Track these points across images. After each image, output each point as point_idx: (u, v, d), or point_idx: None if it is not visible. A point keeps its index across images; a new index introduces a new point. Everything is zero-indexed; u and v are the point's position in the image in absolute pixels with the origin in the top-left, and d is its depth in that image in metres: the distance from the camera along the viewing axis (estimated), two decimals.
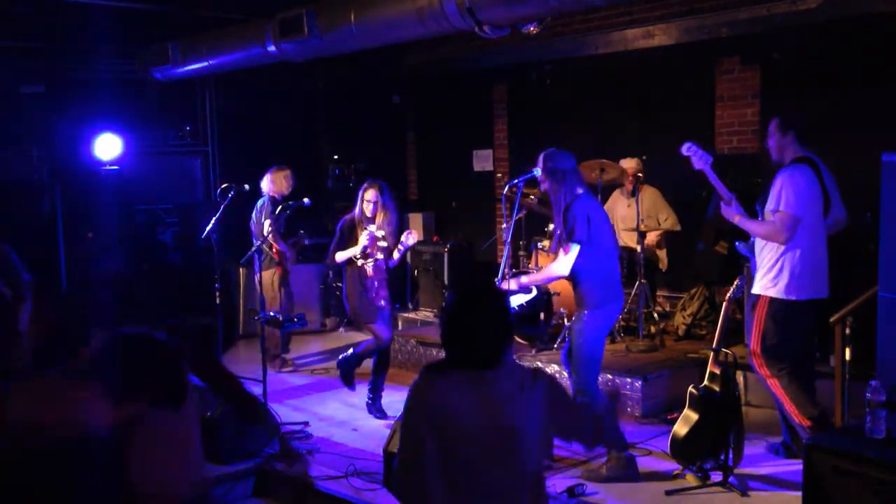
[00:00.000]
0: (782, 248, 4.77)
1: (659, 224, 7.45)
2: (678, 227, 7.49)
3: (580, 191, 4.85)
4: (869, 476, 3.43)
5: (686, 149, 4.90)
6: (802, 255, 4.78)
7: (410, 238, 6.02)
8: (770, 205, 4.79)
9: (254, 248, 6.06)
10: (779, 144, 4.94)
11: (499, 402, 2.54)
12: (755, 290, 4.92)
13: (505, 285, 5.16)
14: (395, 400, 6.60)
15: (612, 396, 4.44)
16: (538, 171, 5.26)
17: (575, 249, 4.74)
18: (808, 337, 5.07)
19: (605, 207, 7.53)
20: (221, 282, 6.85)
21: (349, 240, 6.03)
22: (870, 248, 4.68)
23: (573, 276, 4.85)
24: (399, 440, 2.57)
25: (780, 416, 5.03)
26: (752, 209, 5.08)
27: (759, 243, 4.97)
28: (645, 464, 5.12)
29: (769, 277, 4.82)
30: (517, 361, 2.71)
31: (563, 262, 4.79)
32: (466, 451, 2.49)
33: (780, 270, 4.78)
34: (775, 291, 4.80)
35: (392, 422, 5.52)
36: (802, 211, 4.74)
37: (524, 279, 5.37)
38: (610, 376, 6.16)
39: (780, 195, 4.74)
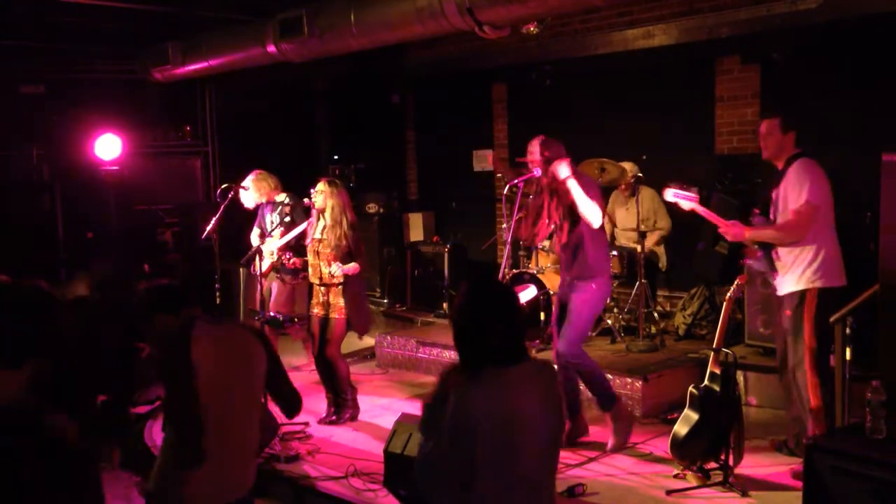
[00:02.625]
0: (816, 238, 4.72)
1: (654, 227, 7.45)
2: (669, 233, 7.50)
3: None
4: (869, 476, 3.43)
5: (672, 195, 5.02)
6: (833, 242, 4.78)
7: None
8: (793, 198, 4.71)
9: (254, 249, 6.06)
10: (779, 144, 4.90)
11: (544, 393, 2.63)
12: (797, 286, 4.78)
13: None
14: (396, 400, 6.61)
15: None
16: (537, 173, 5.31)
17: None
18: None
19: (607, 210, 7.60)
20: (221, 282, 6.85)
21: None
22: (870, 248, 4.68)
23: (581, 246, 5.22)
24: (447, 433, 2.55)
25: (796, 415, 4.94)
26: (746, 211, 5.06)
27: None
28: (645, 464, 5.12)
29: (812, 269, 4.72)
30: (532, 357, 2.72)
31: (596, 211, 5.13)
32: (510, 445, 2.54)
33: (822, 260, 4.72)
34: (823, 281, 4.72)
35: (392, 422, 5.51)
36: (822, 200, 4.72)
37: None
38: (610, 376, 6.16)
39: (803, 187, 4.68)
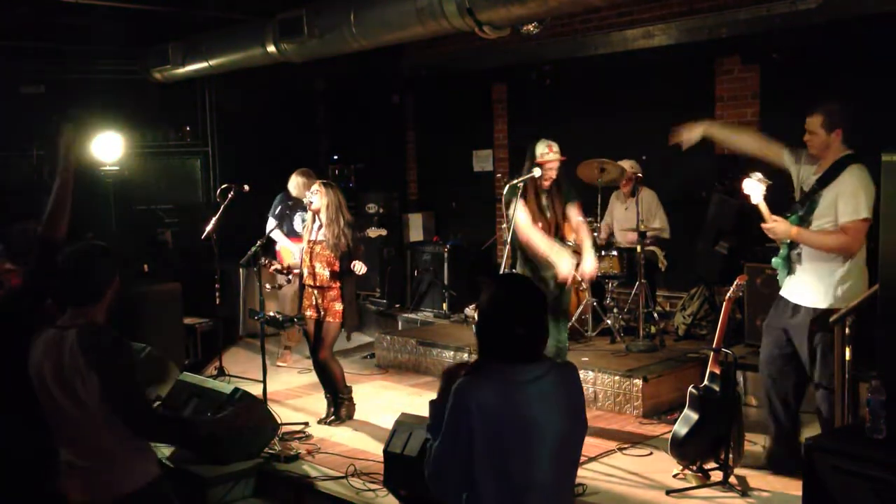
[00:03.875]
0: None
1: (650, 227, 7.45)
2: (666, 235, 7.49)
3: None
4: (869, 476, 3.42)
5: (748, 186, 4.67)
6: (863, 258, 4.60)
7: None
8: (848, 210, 4.44)
9: (254, 249, 6.07)
10: (823, 144, 4.56)
11: (555, 395, 2.57)
12: (823, 303, 4.57)
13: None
14: (395, 401, 6.61)
15: None
16: (538, 172, 5.34)
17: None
18: None
19: (607, 212, 7.60)
20: (221, 282, 6.86)
21: None
22: (870, 248, 4.66)
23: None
24: (443, 432, 2.54)
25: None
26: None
27: (812, 251, 4.63)
28: (645, 464, 5.12)
29: (844, 287, 4.54)
30: (550, 357, 2.71)
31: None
32: (514, 448, 2.50)
33: (853, 280, 4.55)
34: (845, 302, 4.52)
35: (392, 422, 5.51)
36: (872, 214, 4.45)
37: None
38: (610, 376, 6.17)
39: (860, 200, 4.41)
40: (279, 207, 7.53)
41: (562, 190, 5.64)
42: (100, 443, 3.02)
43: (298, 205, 7.18)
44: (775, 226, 4.60)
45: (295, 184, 7.50)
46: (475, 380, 2.54)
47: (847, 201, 4.45)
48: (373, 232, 8.12)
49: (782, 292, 4.82)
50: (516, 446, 2.50)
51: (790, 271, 4.75)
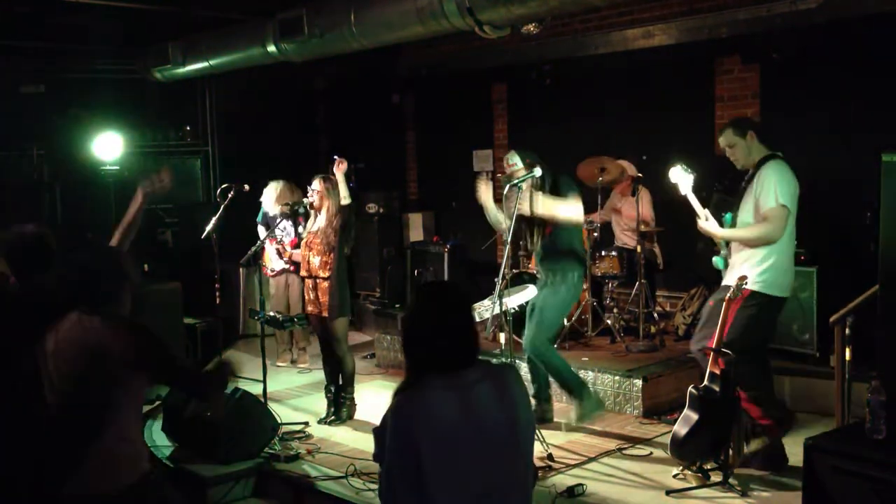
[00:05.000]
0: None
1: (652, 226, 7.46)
2: (655, 227, 7.50)
3: None
4: (869, 476, 3.43)
5: (673, 175, 5.01)
6: (787, 252, 4.77)
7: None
8: (764, 201, 4.68)
9: (254, 249, 6.07)
10: (744, 150, 4.85)
11: (494, 397, 2.50)
12: (730, 281, 4.80)
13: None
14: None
15: None
16: (538, 172, 5.36)
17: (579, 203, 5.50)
18: (769, 332, 5.14)
19: (606, 209, 7.59)
20: (221, 282, 6.86)
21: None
22: (870, 248, 4.67)
23: (565, 241, 5.59)
24: (387, 459, 2.46)
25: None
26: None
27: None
28: (645, 464, 5.12)
29: (757, 271, 4.72)
30: (486, 359, 2.66)
31: (575, 207, 5.50)
32: (466, 455, 2.44)
33: (770, 266, 4.71)
34: (762, 286, 4.71)
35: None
36: (791, 204, 4.71)
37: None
38: (610, 376, 6.17)
39: (774, 189, 4.66)
40: (263, 215, 7.55)
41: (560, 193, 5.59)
42: (103, 430, 3.06)
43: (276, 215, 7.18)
44: (707, 225, 4.90)
45: (275, 196, 7.41)
46: (411, 395, 2.48)
47: (765, 192, 4.68)
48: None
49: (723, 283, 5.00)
50: (465, 453, 2.43)
51: (726, 265, 4.99)
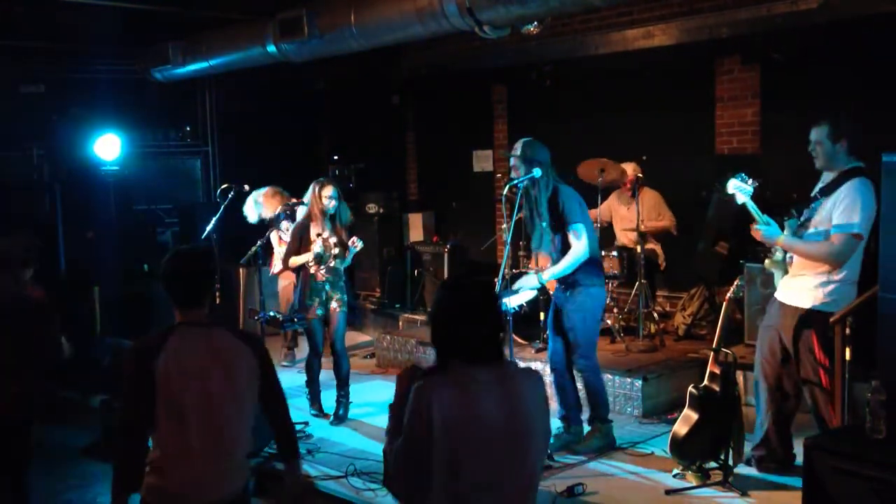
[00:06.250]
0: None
1: (657, 218, 7.42)
2: (674, 231, 7.46)
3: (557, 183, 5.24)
4: (869, 476, 3.42)
5: (731, 187, 4.63)
6: (856, 270, 4.56)
7: (358, 244, 6.01)
8: (839, 221, 4.39)
9: (254, 249, 6.06)
10: (829, 154, 4.54)
11: (513, 397, 2.53)
12: (802, 301, 4.59)
13: (525, 282, 5.40)
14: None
15: None
16: (538, 172, 5.31)
17: (582, 230, 5.12)
18: None
19: (604, 208, 7.57)
20: (221, 282, 6.85)
21: (304, 245, 6.03)
22: (870, 248, 4.66)
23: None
24: (402, 435, 2.52)
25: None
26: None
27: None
28: (645, 464, 5.12)
29: (825, 290, 4.50)
30: (512, 360, 2.68)
31: (582, 245, 5.12)
32: (483, 451, 2.47)
33: (840, 282, 4.51)
34: (831, 306, 4.51)
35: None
36: (867, 232, 4.42)
37: (545, 275, 5.25)
38: (610, 376, 6.16)
39: (857, 214, 4.35)
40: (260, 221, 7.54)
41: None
42: (235, 430, 3.19)
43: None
44: (764, 229, 4.60)
45: (267, 204, 7.37)
46: (436, 379, 2.52)
47: (842, 212, 4.42)
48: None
49: (776, 293, 4.83)
50: (473, 446, 2.46)
51: (785, 271, 4.76)
